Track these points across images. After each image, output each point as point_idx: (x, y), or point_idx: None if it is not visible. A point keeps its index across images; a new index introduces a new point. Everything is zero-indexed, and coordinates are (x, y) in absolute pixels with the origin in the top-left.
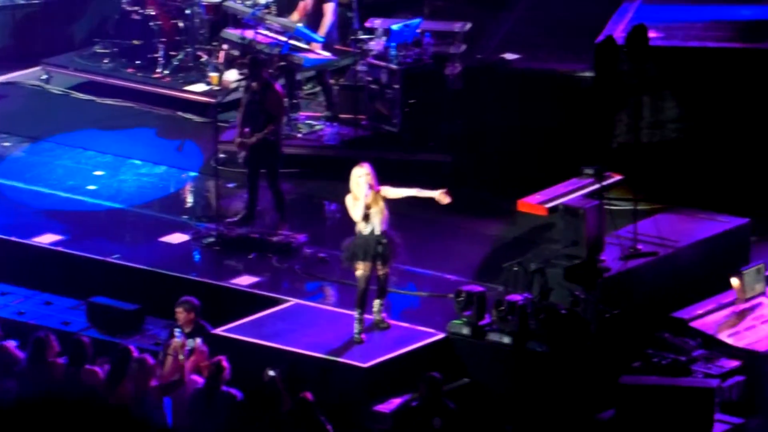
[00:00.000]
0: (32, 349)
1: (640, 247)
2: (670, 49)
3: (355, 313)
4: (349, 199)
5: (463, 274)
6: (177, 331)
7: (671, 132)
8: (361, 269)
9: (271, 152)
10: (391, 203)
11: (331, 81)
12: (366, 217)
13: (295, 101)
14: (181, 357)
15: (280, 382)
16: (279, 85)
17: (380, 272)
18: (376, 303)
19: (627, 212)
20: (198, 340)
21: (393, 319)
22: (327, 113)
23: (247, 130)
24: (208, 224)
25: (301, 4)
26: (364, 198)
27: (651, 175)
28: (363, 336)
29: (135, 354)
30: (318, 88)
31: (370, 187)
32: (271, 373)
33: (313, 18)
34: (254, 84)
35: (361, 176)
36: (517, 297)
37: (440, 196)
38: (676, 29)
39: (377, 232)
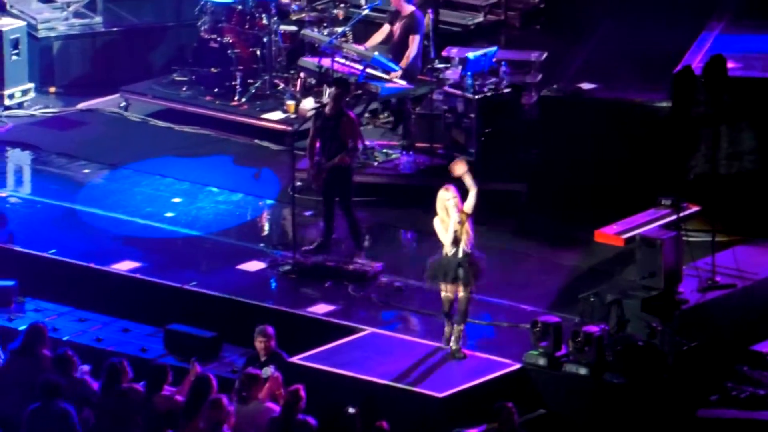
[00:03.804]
0: (106, 375)
1: (718, 278)
2: (748, 80)
3: (446, 325)
4: (437, 223)
5: (540, 304)
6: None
7: (748, 163)
8: (443, 290)
9: (345, 180)
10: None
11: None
12: (455, 240)
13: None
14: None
15: (359, 420)
16: (354, 112)
17: (459, 294)
18: (456, 330)
19: (705, 244)
20: (272, 368)
21: (469, 349)
22: (403, 142)
23: (317, 157)
24: (285, 252)
25: (386, 27)
26: (455, 221)
27: (728, 207)
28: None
29: (215, 385)
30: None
31: (461, 211)
32: (351, 410)
33: (399, 47)
34: (327, 110)
35: (449, 199)
36: (593, 328)
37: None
38: (754, 60)
39: (461, 254)
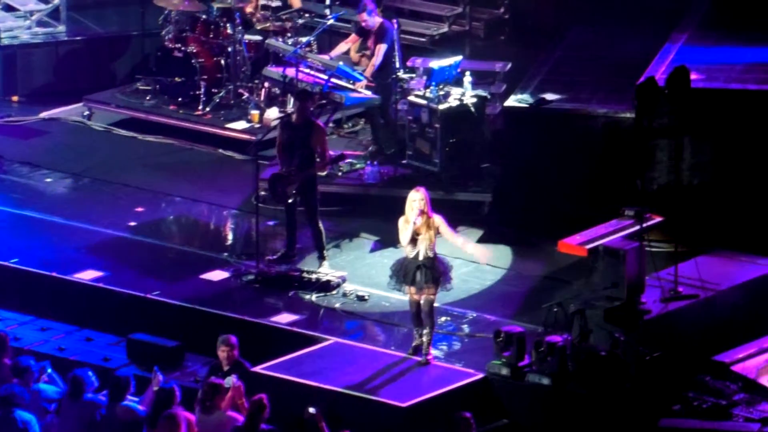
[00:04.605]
0: (70, 385)
1: (680, 289)
2: (711, 91)
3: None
4: (401, 222)
5: (503, 314)
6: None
7: (711, 174)
8: (407, 292)
9: (310, 189)
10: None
11: (381, 120)
12: (413, 242)
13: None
14: None
15: (321, 419)
16: (321, 122)
17: (421, 298)
18: (424, 335)
19: (667, 254)
20: (234, 377)
21: (432, 358)
22: (371, 149)
23: (283, 168)
24: (248, 261)
25: (352, 37)
26: (414, 223)
27: (691, 217)
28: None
29: (178, 396)
30: (358, 127)
31: (422, 212)
32: (312, 410)
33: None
34: (294, 119)
35: (415, 200)
36: (556, 338)
37: (482, 257)
38: (717, 71)
39: (421, 257)
